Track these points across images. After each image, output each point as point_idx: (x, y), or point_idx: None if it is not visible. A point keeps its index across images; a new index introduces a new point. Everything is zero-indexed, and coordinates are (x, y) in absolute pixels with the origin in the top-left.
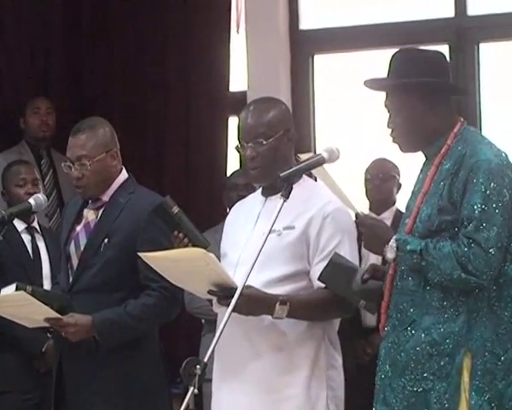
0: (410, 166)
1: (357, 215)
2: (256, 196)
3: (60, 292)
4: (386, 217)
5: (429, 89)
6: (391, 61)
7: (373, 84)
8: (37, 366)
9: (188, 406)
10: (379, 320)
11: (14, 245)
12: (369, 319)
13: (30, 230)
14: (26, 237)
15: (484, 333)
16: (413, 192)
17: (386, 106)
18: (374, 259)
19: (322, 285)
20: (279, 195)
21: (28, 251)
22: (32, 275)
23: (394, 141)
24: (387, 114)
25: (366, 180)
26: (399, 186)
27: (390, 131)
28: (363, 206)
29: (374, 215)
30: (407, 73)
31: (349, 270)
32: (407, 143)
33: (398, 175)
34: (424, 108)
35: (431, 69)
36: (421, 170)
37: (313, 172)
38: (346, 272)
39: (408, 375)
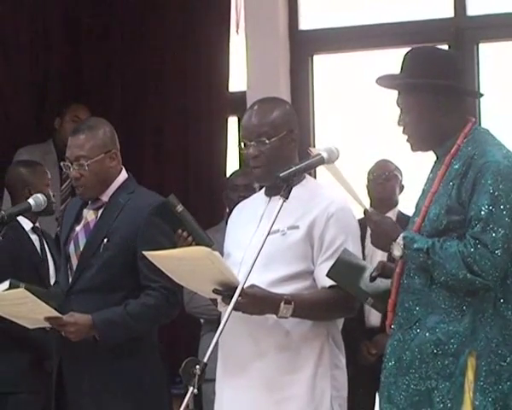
0: (414, 167)
1: (365, 212)
2: (259, 196)
3: (56, 290)
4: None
5: (441, 90)
6: (404, 59)
7: (385, 82)
8: (48, 367)
9: (187, 406)
10: (384, 320)
11: (25, 245)
12: (373, 319)
13: (35, 230)
14: (34, 237)
15: (489, 334)
16: (423, 191)
17: (397, 104)
18: (379, 257)
19: (327, 285)
20: (280, 195)
21: (37, 250)
22: (43, 274)
23: (408, 140)
24: (397, 112)
25: (369, 181)
26: (402, 187)
27: (402, 128)
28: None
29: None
30: (420, 72)
31: (358, 267)
32: (417, 141)
33: (401, 176)
34: (435, 108)
35: (444, 69)
36: (432, 169)
37: (324, 167)
38: (355, 269)
39: (412, 373)
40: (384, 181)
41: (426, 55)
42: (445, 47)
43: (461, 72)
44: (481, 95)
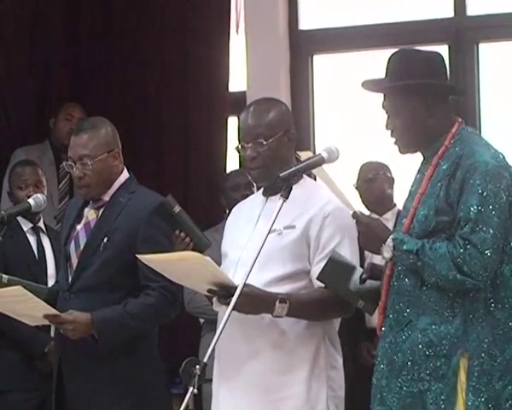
0: (414, 165)
1: (354, 214)
2: (257, 197)
3: (52, 288)
4: (389, 218)
5: (428, 90)
6: (388, 62)
7: (371, 86)
8: (40, 367)
9: (187, 406)
10: None
11: (20, 245)
12: (374, 320)
13: (35, 229)
14: (32, 237)
15: (480, 334)
16: (410, 192)
17: (384, 107)
18: (378, 258)
19: (323, 284)
20: (280, 195)
21: (33, 250)
22: (37, 274)
23: (395, 143)
24: (386, 116)
25: (357, 187)
26: (392, 182)
27: (390, 132)
28: (363, 208)
29: (375, 216)
30: (405, 74)
31: (348, 269)
32: (406, 144)
33: (389, 172)
34: (423, 109)
35: (429, 70)
36: (419, 170)
37: (312, 171)
38: (345, 271)
39: (404, 375)
40: (369, 183)
41: (410, 56)
42: (445, 47)
43: (445, 71)
44: (464, 92)
